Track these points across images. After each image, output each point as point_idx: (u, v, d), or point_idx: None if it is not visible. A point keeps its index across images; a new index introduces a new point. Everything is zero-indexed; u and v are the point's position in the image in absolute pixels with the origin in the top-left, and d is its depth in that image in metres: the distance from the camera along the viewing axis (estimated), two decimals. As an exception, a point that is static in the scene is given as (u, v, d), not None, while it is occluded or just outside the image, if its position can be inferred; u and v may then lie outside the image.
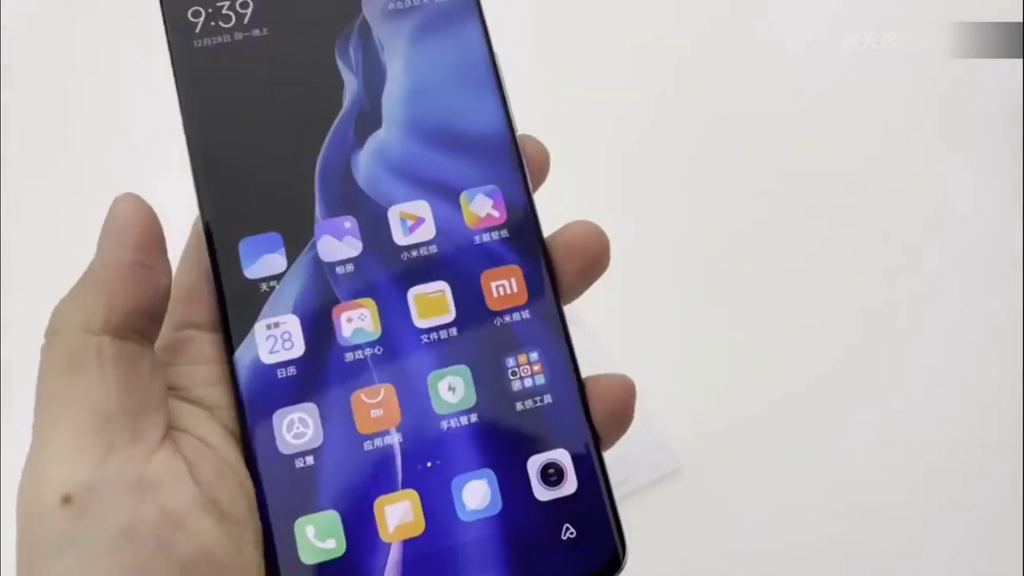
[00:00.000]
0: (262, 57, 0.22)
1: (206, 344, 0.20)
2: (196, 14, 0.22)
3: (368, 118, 0.22)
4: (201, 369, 0.20)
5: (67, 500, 0.16)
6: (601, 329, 0.52)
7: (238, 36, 0.22)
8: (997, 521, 0.47)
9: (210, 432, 0.19)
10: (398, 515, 0.20)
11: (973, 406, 0.52)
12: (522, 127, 0.23)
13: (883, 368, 0.53)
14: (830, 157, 0.69)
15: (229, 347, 0.20)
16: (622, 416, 0.21)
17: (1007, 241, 0.62)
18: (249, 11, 0.22)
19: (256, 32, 0.22)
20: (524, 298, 0.21)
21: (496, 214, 0.22)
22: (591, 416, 0.21)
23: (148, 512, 0.17)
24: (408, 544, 0.20)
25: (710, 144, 0.69)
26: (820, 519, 0.48)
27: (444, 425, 0.20)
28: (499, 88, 0.22)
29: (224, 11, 0.22)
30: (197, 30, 0.22)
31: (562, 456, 0.21)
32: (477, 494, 0.20)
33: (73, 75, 0.63)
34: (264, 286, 0.21)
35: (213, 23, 0.22)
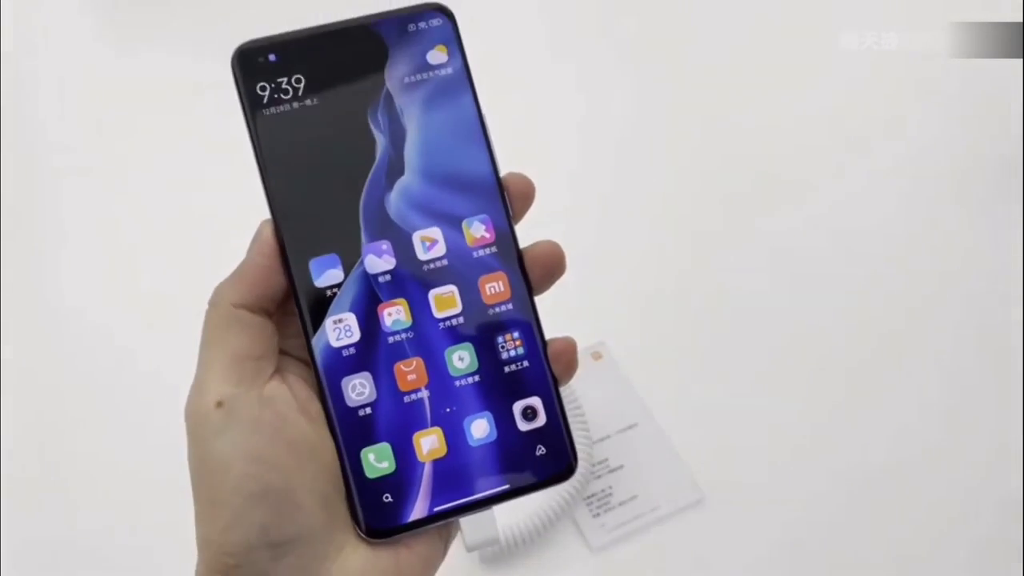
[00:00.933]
0: (314, 121, 0.29)
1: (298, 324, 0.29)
2: (263, 88, 0.29)
3: (394, 167, 0.30)
4: (297, 340, 0.29)
5: (219, 404, 0.26)
6: (632, 372, 0.53)
7: (295, 105, 0.29)
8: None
9: (302, 373, 0.29)
10: (429, 444, 0.29)
11: (988, 430, 0.52)
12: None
13: (901, 399, 0.54)
14: (830, 156, 0.68)
15: (307, 335, 0.29)
16: (570, 367, 0.30)
17: (1008, 237, 0.62)
18: (302, 85, 0.29)
19: (308, 102, 0.29)
20: (508, 295, 0.30)
21: (487, 236, 0.30)
22: (553, 371, 0.30)
23: (267, 414, 0.27)
24: (436, 463, 0.29)
25: (708, 145, 0.69)
26: (839, 546, 0.49)
27: (457, 383, 0.29)
28: (487, 142, 0.30)
29: (283, 85, 0.29)
30: (265, 100, 0.29)
31: (535, 401, 0.30)
32: (480, 428, 0.29)
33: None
34: (329, 292, 0.29)
35: (276, 95, 0.29)
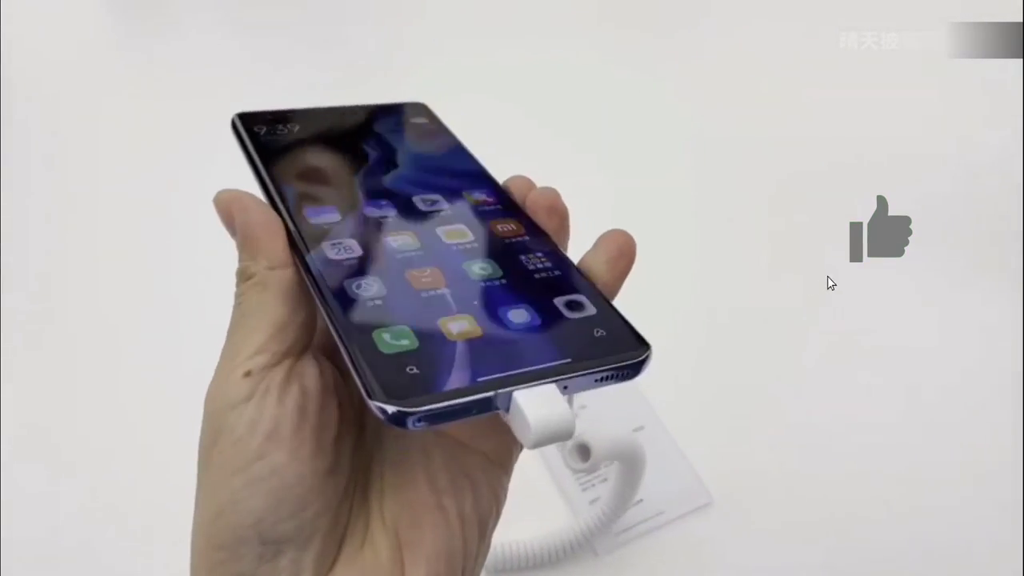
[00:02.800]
0: (305, 143, 0.33)
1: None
2: (259, 128, 0.33)
3: (389, 165, 0.32)
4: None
5: (248, 374, 0.25)
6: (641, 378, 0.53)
7: (289, 139, 0.33)
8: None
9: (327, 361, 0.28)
10: (459, 326, 0.25)
11: (989, 435, 0.52)
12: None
13: (909, 402, 0.53)
14: (830, 156, 0.68)
15: (301, 257, 0.27)
16: (628, 255, 0.28)
17: (1007, 238, 0.62)
18: (296, 128, 0.33)
19: (301, 136, 0.33)
20: (523, 231, 0.29)
21: (490, 199, 0.31)
22: (599, 268, 0.27)
23: (293, 385, 0.25)
24: (471, 341, 0.24)
25: (707, 146, 0.69)
26: (848, 550, 0.48)
27: (482, 285, 0.27)
28: (477, 161, 0.33)
29: (279, 129, 0.33)
30: (262, 133, 0.33)
31: (579, 297, 0.26)
32: (519, 315, 0.25)
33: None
34: (324, 226, 0.28)
35: (271, 135, 0.33)
